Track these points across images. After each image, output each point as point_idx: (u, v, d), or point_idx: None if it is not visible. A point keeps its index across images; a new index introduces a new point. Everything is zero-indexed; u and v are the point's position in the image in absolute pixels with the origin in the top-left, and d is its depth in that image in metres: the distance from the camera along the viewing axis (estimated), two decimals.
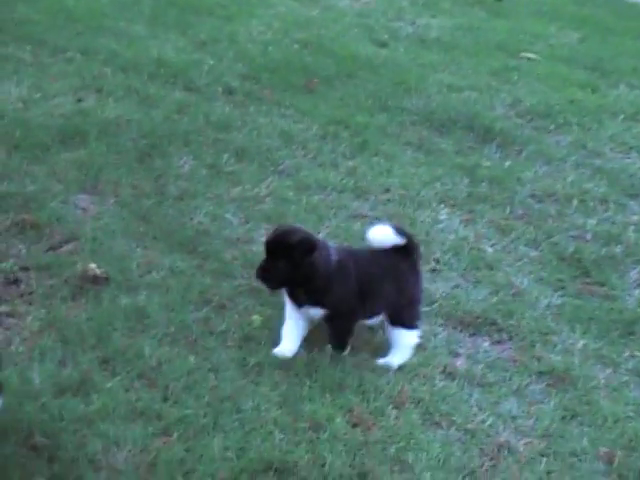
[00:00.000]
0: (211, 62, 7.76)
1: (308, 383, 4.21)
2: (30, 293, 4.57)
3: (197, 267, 4.97)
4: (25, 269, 4.74)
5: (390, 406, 4.17)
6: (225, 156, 6.22)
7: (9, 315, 4.40)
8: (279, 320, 4.48)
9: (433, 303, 4.97)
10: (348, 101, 7.39)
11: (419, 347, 4.58)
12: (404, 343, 4.49)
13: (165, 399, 3.96)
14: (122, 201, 5.50)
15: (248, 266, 4.98)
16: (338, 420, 4.00)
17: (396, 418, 4.10)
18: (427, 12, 10.14)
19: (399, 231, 4.45)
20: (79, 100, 6.71)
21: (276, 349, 4.36)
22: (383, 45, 8.91)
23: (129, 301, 4.53)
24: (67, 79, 7.02)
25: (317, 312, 4.39)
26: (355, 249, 4.71)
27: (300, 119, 6.97)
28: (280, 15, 9.31)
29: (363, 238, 5.36)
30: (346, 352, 4.43)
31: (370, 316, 4.50)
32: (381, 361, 4.46)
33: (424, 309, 4.85)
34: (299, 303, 4.38)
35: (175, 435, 3.76)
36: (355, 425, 4.02)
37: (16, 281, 4.65)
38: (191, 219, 5.43)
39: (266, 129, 6.71)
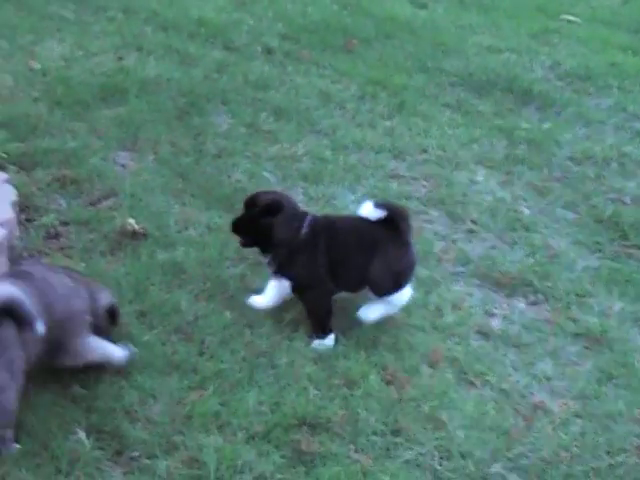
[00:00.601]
0: (251, 22, 7.74)
1: (343, 340, 4.19)
2: (70, 247, 4.57)
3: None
4: (65, 224, 4.74)
5: (424, 364, 4.16)
6: (263, 115, 6.20)
7: None
8: None
9: (469, 263, 4.95)
10: (387, 62, 7.35)
11: (454, 307, 4.56)
12: (394, 300, 4.35)
13: (201, 353, 3.97)
14: (161, 158, 5.49)
15: None
16: (372, 377, 4.00)
17: (430, 377, 4.09)
18: None
19: (379, 205, 4.25)
20: (120, 58, 6.70)
21: (250, 298, 4.32)
22: (422, 6, 8.86)
23: (167, 256, 4.53)
24: (108, 38, 7.01)
25: (285, 283, 4.26)
26: (337, 220, 4.47)
27: (338, 79, 6.94)
28: None
29: (399, 198, 5.38)
30: (329, 340, 4.21)
31: (347, 290, 4.35)
32: (360, 312, 4.31)
33: (459, 269, 4.84)
34: (272, 270, 4.28)
35: (210, 389, 3.76)
36: (389, 382, 4.01)
37: (56, 235, 4.65)
38: (229, 177, 5.42)
39: (304, 89, 6.69)
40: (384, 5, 8.57)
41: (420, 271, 4.77)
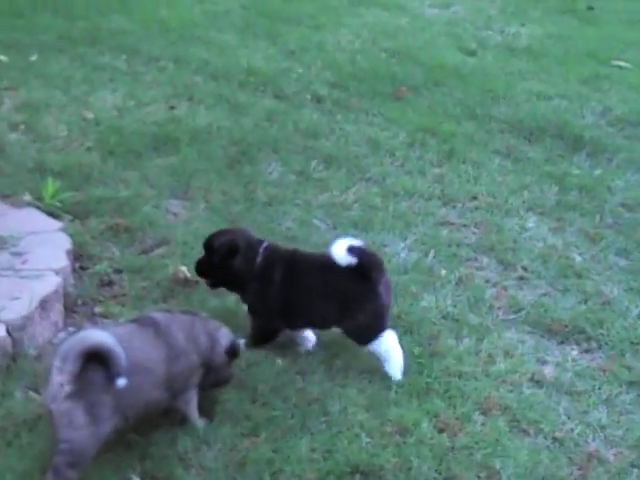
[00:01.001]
0: (300, 70, 7.81)
1: (394, 387, 4.20)
2: (123, 295, 4.64)
3: None
4: (118, 271, 4.81)
5: (477, 412, 4.14)
6: (313, 163, 6.25)
7: (103, 316, 4.48)
8: None
9: (520, 310, 4.93)
10: (436, 109, 7.37)
11: (506, 354, 4.54)
12: (383, 352, 4.30)
13: (253, 400, 3.99)
14: (212, 206, 5.55)
15: None
16: (424, 425, 3.99)
17: (483, 424, 4.07)
18: (516, 20, 10.07)
19: (352, 251, 4.15)
20: (171, 108, 6.80)
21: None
22: (471, 54, 8.87)
23: (218, 303, 4.57)
24: (160, 87, 7.12)
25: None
26: (302, 257, 4.41)
27: (387, 127, 6.97)
28: (368, 24, 9.32)
29: (450, 245, 5.39)
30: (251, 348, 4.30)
31: (298, 328, 4.39)
32: (388, 371, 4.30)
33: (511, 316, 4.84)
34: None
35: (263, 435, 3.79)
36: (441, 430, 4.00)
37: (110, 283, 4.73)
38: (279, 224, 5.47)
39: (354, 137, 6.73)
40: (433, 53, 8.61)
41: (471, 318, 4.80)
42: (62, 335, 3.58)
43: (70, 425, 3.31)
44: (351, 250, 4.15)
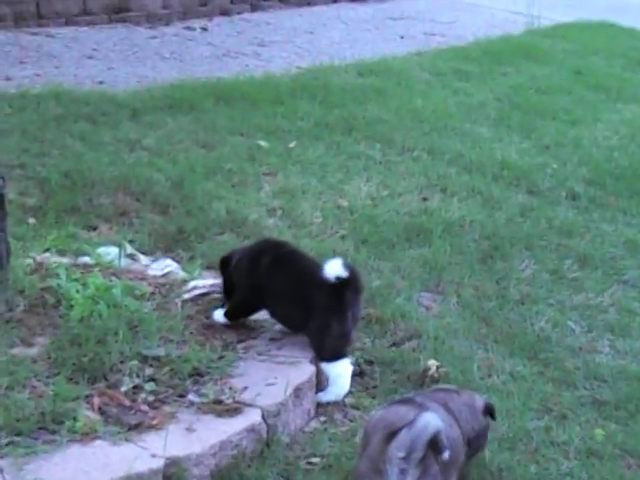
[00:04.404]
0: (555, 166, 7.79)
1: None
2: (374, 387, 4.71)
3: (538, 374, 4.97)
4: (369, 362, 4.89)
5: None
6: (568, 262, 6.21)
7: (353, 407, 4.54)
8: (624, 435, 4.43)
9: None
10: None
11: None
12: (333, 375, 4.49)
13: None
14: (464, 301, 5.59)
15: (591, 377, 4.98)
16: None
17: None
18: None
19: (344, 267, 4.40)
20: (424, 199, 6.90)
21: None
22: None
23: None
24: (413, 178, 7.24)
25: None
26: (294, 256, 4.81)
27: None
28: (626, 120, 9.22)
29: None
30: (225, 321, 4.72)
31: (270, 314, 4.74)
32: (325, 393, 4.52)
33: None
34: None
35: None
36: None
37: (361, 374, 4.79)
38: (532, 324, 5.44)
39: (610, 237, 6.65)
40: None
41: None
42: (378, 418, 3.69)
43: None
44: (343, 266, 4.41)
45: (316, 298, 4.49)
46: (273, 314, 4.76)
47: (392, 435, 3.49)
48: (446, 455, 3.51)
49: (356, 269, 4.61)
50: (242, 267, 4.79)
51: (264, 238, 5.34)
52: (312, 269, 4.54)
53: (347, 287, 4.44)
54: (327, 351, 4.51)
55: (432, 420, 3.51)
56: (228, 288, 4.89)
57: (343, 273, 4.40)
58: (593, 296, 5.83)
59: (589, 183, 7.53)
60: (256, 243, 5.07)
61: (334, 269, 4.41)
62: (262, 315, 4.84)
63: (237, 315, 4.78)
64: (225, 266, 4.91)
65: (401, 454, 3.44)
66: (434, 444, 3.48)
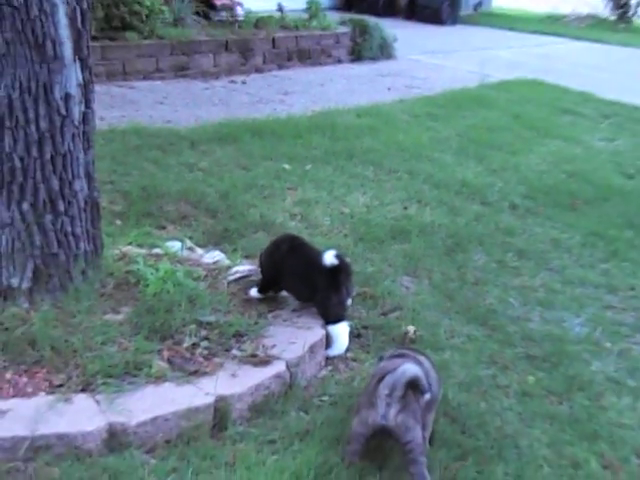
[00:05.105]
0: (500, 184, 7.76)
1: (569, 431, 4.11)
2: (368, 345, 4.72)
3: (487, 336, 4.98)
4: (365, 327, 4.89)
5: (634, 456, 4.00)
6: (509, 254, 6.20)
7: (353, 360, 4.57)
8: (549, 381, 4.44)
9: None
10: (603, 218, 7.16)
11: None
12: (334, 335, 4.49)
13: (462, 432, 3.98)
14: (434, 283, 5.59)
15: (526, 338, 4.98)
16: (592, 462, 3.89)
17: (638, 466, 3.91)
18: None
19: (337, 257, 4.42)
20: (405, 208, 6.89)
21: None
22: (630, 177, 8.57)
23: (436, 357, 4.54)
24: (397, 192, 7.23)
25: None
26: (303, 247, 4.76)
27: (566, 230, 6.83)
28: (552, 151, 9.18)
29: (612, 324, 5.21)
30: (258, 295, 4.71)
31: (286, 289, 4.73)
32: (330, 350, 4.50)
33: None
34: None
35: (470, 460, 3.77)
36: (605, 467, 3.89)
37: (359, 335, 4.80)
38: (484, 300, 5.44)
39: (540, 236, 6.64)
40: (601, 175, 8.36)
41: (630, 382, 4.63)
42: (380, 367, 3.69)
43: (408, 430, 3.45)
44: (337, 256, 4.41)
45: (318, 278, 4.50)
46: (287, 288, 4.76)
47: (382, 378, 3.51)
48: (427, 396, 3.51)
49: (344, 258, 4.59)
50: (267, 252, 4.83)
51: (284, 233, 5.32)
52: (316, 256, 4.54)
53: (339, 270, 4.46)
54: (330, 315, 4.52)
55: (410, 368, 3.52)
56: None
57: (335, 261, 4.42)
58: (527, 279, 5.83)
59: (525, 197, 7.51)
60: (277, 237, 5.05)
61: (329, 258, 4.42)
62: (285, 294, 4.85)
63: (266, 289, 4.77)
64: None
65: (386, 391, 3.45)
66: (415, 387, 3.48)
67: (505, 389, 4.42)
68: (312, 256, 4.61)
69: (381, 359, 3.87)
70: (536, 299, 5.56)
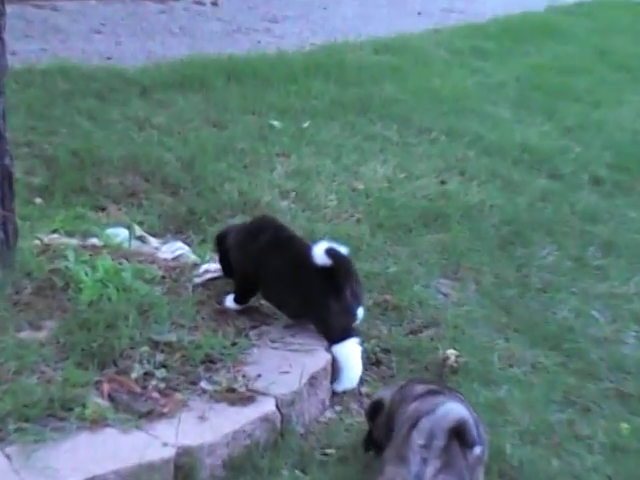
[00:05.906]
0: (577, 149, 7.78)
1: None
2: (391, 376, 4.67)
3: (561, 365, 4.95)
4: (386, 351, 4.86)
5: None
6: (591, 249, 6.21)
7: (369, 396, 4.48)
8: None
9: None
10: None
11: None
12: (343, 358, 4.46)
13: None
14: (483, 289, 5.58)
15: (615, 368, 4.97)
16: None
17: None
18: None
19: (328, 253, 4.37)
20: (442, 182, 6.90)
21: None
22: None
23: (488, 395, 4.54)
24: (431, 160, 7.23)
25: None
26: (288, 239, 4.76)
27: None
28: None
29: None
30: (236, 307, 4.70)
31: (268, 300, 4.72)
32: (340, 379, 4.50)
33: None
34: None
35: None
36: None
37: (377, 362, 4.77)
38: (554, 313, 5.43)
39: (635, 223, 6.66)
40: None
41: None
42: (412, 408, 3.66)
43: None
44: (328, 252, 4.37)
45: (309, 284, 4.48)
46: (268, 297, 4.75)
47: (416, 423, 3.49)
48: (477, 450, 3.48)
49: (339, 252, 4.49)
50: (237, 243, 4.80)
51: (260, 216, 5.27)
52: (305, 253, 4.51)
53: (335, 269, 4.42)
54: (333, 330, 4.48)
55: (455, 409, 3.50)
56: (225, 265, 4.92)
57: (327, 260, 4.39)
58: (618, 284, 5.83)
59: (613, 167, 7.52)
60: (251, 221, 5.02)
61: (319, 256, 4.40)
62: None
63: (246, 297, 4.74)
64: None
65: (421, 441, 3.43)
66: (461, 436, 3.45)
67: (587, 441, 4.38)
68: (300, 253, 4.57)
69: (402, 388, 3.86)
70: (630, 313, 5.54)
